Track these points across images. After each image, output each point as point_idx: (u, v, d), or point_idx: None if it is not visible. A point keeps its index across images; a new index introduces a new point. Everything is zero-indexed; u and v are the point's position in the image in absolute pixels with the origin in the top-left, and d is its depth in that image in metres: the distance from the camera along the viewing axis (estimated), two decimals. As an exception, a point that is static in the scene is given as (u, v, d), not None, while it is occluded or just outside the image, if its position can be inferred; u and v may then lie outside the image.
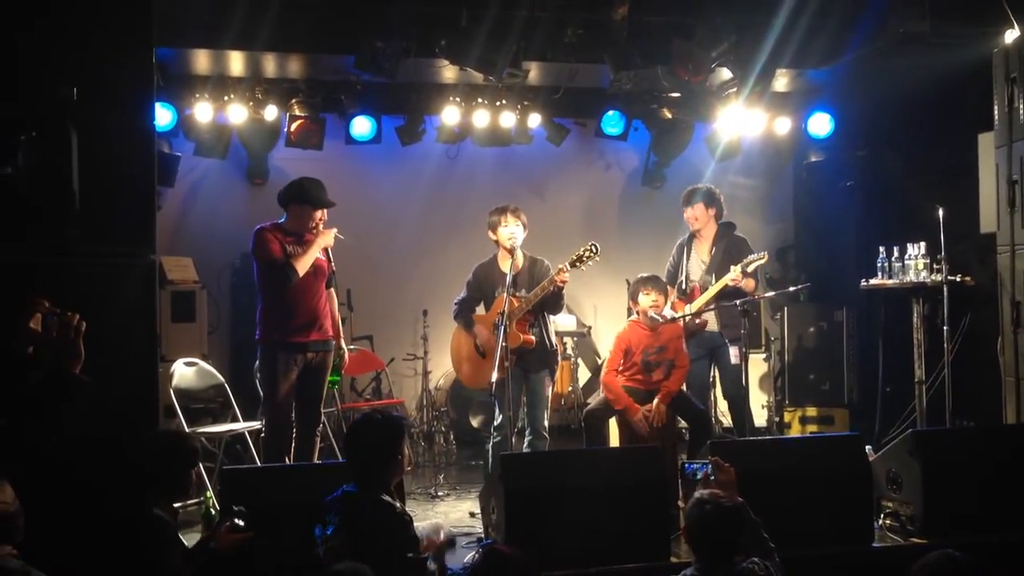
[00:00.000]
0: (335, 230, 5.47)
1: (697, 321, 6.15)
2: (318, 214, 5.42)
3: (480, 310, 5.86)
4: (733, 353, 6.11)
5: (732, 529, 3.30)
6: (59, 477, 3.40)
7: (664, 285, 5.93)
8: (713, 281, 6.12)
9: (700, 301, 6.11)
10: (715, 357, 6.26)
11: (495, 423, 5.63)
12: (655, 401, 5.71)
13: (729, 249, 6.26)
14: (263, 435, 5.66)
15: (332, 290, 5.64)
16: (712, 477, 3.77)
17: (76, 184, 3.96)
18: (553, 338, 5.79)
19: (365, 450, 3.59)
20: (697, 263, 6.36)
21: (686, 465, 3.97)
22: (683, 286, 6.33)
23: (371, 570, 2.93)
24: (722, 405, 6.67)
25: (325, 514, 3.48)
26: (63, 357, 3.05)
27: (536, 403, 5.64)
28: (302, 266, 5.30)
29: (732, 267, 5.99)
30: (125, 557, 3.23)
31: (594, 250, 5.44)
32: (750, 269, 5.97)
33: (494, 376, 5.22)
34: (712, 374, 6.34)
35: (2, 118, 3.75)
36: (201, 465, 5.97)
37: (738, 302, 5.83)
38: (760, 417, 7.78)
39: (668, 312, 5.90)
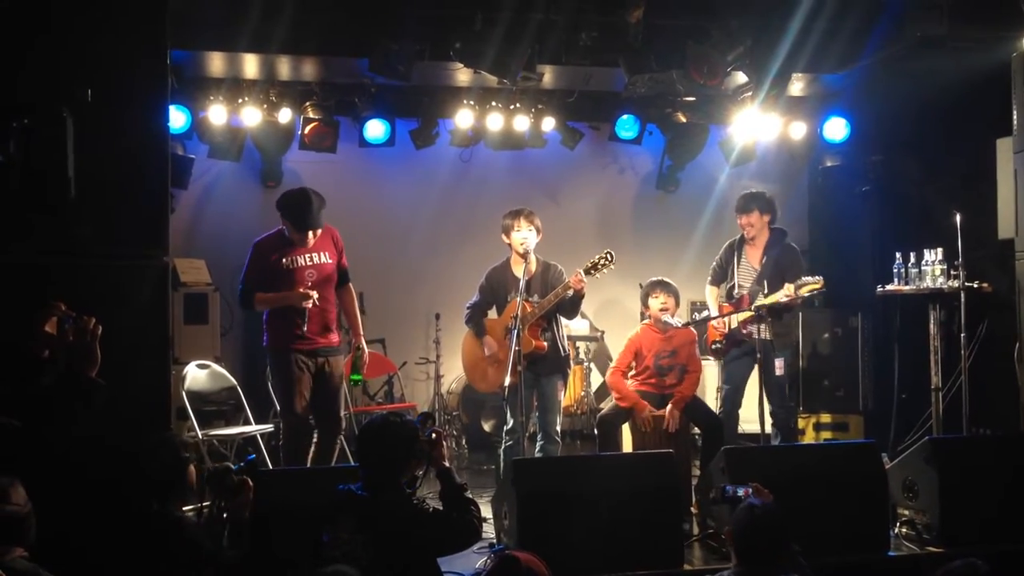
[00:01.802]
0: (313, 297, 5.26)
1: (744, 331, 6.08)
2: (307, 234, 5.33)
3: (492, 314, 5.84)
4: (778, 364, 6.03)
5: (781, 532, 3.42)
6: (70, 478, 3.39)
7: (674, 288, 5.88)
8: (765, 291, 5.98)
9: (746, 314, 5.96)
10: (762, 363, 6.04)
11: (506, 427, 5.61)
12: (668, 407, 5.69)
13: (781, 259, 6.16)
14: (281, 439, 5.62)
15: (349, 285, 5.59)
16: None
17: (72, 172, 3.89)
18: (565, 343, 5.77)
19: (380, 452, 3.57)
20: (748, 269, 6.27)
21: (725, 488, 4.03)
22: (733, 291, 6.28)
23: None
24: (750, 412, 6.57)
25: (333, 517, 3.47)
26: (79, 361, 3.04)
27: (548, 407, 5.62)
28: (262, 305, 5.36)
29: (787, 284, 5.82)
30: (139, 559, 3.21)
31: (609, 258, 5.41)
32: (803, 292, 5.78)
33: (507, 380, 5.21)
34: (751, 375, 6.22)
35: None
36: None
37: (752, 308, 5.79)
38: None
39: (676, 320, 5.86)
